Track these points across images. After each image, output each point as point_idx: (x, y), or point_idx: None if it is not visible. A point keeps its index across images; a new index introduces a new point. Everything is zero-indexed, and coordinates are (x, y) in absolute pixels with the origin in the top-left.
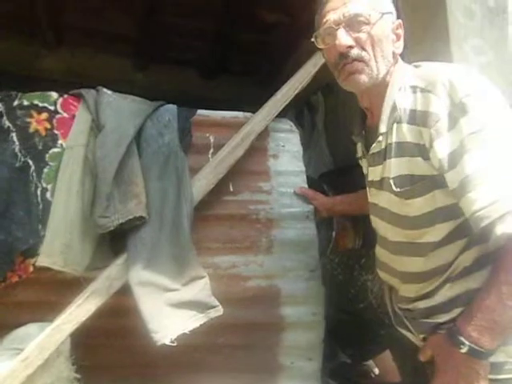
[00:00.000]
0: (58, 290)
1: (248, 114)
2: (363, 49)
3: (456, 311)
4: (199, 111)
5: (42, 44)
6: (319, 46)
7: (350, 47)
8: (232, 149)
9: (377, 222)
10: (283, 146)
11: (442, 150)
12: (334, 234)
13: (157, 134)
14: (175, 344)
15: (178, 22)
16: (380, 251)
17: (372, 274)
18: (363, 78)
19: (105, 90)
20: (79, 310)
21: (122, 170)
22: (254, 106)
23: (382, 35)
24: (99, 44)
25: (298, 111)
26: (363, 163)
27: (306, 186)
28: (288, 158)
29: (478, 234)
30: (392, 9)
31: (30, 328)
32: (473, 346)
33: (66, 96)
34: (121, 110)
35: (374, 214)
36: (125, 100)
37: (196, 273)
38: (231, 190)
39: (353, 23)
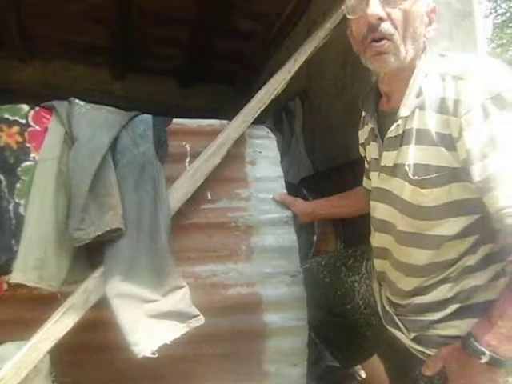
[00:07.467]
0: (35, 306)
1: (224, 122)
2: (395, 26)
3: (451, 308)
4: (175, 120)
5: (15, 56)
6: (348, 16)
7: (381, 19)
8: (209, 157)
9: (384, 209)
10: (260, 152)
11: (471, 140)
12: (315, 238)
13: (132, 144)
14: (156, 356)
15: (154, 31)
16: (384, 238)
17: (359, 275)
18: (391, 58)
19: (77, 101)
20: (57, 326)
21: (97, 181)
22: (231, 113)
23: (416, 15)
24: (75, 55)
25: (277, 117)
26: (371, 147)
27: (285, 191)
28: (266, 164)
29: (490, 233)
30: None
31: (7, 348)
32: (493, 355)
33: (37, 108)
34: (94, 121)
35: (381, 201)
36: (98, 111)
37: (175, 283)
38: (209, 198)
39: None
